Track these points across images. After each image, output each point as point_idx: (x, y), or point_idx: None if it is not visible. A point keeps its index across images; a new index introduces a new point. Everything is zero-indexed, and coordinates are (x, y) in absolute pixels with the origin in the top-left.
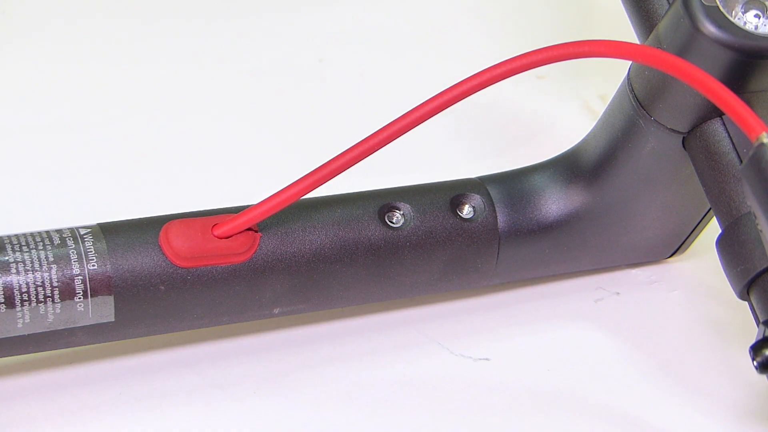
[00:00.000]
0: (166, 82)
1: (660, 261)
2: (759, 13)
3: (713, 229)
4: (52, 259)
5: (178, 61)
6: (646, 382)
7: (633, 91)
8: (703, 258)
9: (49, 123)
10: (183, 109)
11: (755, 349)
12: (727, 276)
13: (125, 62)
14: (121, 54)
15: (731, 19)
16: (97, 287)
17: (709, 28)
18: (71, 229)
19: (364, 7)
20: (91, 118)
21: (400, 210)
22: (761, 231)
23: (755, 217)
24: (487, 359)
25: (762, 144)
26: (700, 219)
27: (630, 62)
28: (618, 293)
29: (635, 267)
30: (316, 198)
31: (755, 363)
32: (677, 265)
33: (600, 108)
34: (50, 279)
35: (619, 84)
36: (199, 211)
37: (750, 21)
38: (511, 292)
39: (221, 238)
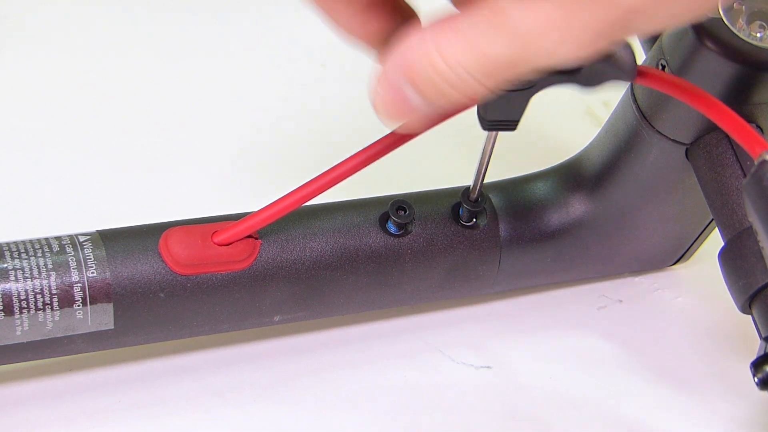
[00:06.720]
0: (168, 87)
1: (663, 268)
2: (763, 24)
3: (717, 236)
4: (51, 267)
5: (179, 67)
6: (649, 390)
7: (636, 101)
8: (706, 265)
9: (49, 129)
10: (184, 115)
11: (756, 365)
12: (729, 289)
13: (126, 69)
14: (123, 61)
15: (735, 31)
16: (96, 295)
17: (713, 40)
18: (70, 236)
19: None
20: (91, 123)
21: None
22: (762, 248)
23: (756, 233)
24: (488, 367)
25: (764, 161)
26: (703, 228)
27: None
28: (621, 301)
29: (638, 274)
30: (316, 205)
31: (756, 379)
32: (681, 273)
33: (603, 114)
34: (49, 286)
35: (623, 93)
36: (199, 218)
37: (754, 33)
38: (512, 300)
39: (221, 246)
